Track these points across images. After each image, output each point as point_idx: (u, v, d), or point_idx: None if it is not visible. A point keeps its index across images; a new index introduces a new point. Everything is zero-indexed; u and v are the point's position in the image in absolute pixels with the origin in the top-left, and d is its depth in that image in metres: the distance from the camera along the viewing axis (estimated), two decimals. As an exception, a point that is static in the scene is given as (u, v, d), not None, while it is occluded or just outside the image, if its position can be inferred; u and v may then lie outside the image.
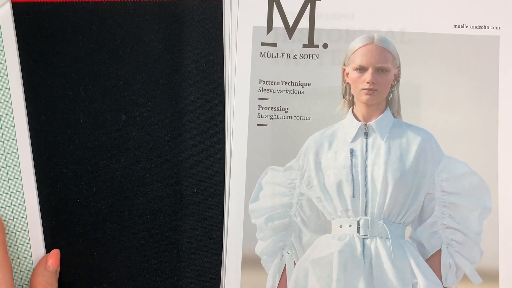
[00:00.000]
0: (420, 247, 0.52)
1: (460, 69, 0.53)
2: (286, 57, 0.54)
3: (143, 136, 0.54)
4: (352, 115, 0.54)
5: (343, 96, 0.54)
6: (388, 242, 0.52)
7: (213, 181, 0.53)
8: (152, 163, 0.53)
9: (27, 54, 0.54)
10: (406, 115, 0.53)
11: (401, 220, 0.52)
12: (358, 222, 0.52)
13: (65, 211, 0.53)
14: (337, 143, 0.53)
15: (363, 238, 0.52)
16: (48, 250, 0.53)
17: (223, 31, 0.54)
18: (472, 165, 0.53)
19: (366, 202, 0.52)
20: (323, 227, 0.53)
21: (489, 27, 0.54)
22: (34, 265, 0.53)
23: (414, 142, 0.53)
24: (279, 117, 0.54)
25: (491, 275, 0.52)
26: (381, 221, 0.52)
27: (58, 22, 0.54)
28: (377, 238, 0.52)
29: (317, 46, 0.54)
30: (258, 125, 0.54)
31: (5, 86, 0.54)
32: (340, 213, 0.53)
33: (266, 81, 0.54)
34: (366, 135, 0.53)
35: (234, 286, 0.52)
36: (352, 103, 0.54)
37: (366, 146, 0.53)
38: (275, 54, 0.54)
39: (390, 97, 0.53)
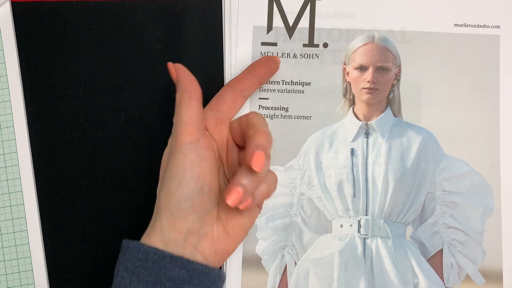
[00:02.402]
0: (421, 247, 0.52)
1: (460, 68, 0.53)
2: (286, 56, 0.54)
3: (143, 136, 0.54)
4: (352, 114, 0.53)
5: (344, 96, 0.53)
6: (389, 242, 0.52)
7: (213, 181, 0.53)
8: (152, 163, 0.53)
9: (27, 54, 0.54)
10: (407, 114, 0.53)
11: (402, 219, 0.52)
12: (359, 221, 0.52)
13: (65, 211, 0.53)
14: (338, 142, 0.53)
15: (364, 238, 0.52)
16: (47, 250, 0.53)
17: (223, 31, 0.54)
18: (474, 165, 0.52)
19: (367, 201, 0.52)
20: (324, 227, 0.53)
21: (490, 26, 0.53)
22: (33, 265, 0.53)
23: (414, 142, 0.53)
24: (279, 116, 0.53)
25: (494, 276, 0.51)
26: (382, 221, 0.52)
27: (57, 21, 0.54)
28: (378, 237, 0.52)
29: (317, 46, 0.54)
30: (258, 124, 0.53)
31: (4, 86, 0.54)
32: (340, 212, 0.52)
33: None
34: (367, 134, 0.53)
35: (235, 286, 0.52)
36: (352, 103, 0.53)
37: (367, 145, 0.53)
38: (275, 54, 0.54)
39: (391, 96, 0.53)
